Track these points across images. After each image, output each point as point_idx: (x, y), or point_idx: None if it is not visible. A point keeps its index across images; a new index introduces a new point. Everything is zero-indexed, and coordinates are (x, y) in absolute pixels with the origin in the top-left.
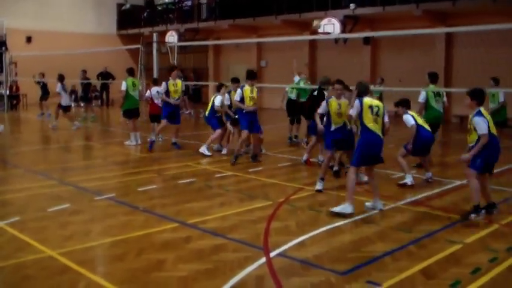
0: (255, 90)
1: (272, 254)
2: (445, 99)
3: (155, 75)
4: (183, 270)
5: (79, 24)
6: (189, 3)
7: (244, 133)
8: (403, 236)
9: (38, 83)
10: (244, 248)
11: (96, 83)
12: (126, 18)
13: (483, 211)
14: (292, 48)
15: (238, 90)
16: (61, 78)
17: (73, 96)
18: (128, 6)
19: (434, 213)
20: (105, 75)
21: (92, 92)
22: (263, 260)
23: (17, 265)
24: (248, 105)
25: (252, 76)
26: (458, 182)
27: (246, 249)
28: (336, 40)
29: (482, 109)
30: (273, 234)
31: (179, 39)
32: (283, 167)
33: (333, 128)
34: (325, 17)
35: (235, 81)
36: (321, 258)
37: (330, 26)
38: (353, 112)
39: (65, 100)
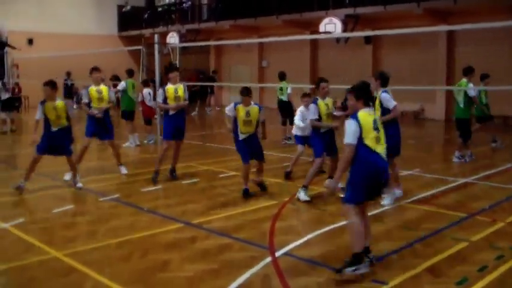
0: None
1: (278, 254)
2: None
3: (157, 76)
4: (189, 271)
5: (80, 26)
6: (189, 2)
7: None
8: (408, 234)
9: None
10: (249, 248)
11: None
12: (127, 20)
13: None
14: (294, 48)
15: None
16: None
17: (75, 98)
18: (128, 7)
19: (439, 212)
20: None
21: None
22: (269, 259)
23: (22, 267)
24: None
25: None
26: (462, 180)
27: (252, 248)
28: (337, 39)
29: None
30: (278, 233)
31: (180, 40)
32: (287, 167)
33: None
34: (326, 16)
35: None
36: (327, 257)
37: (331, 25)
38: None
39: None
